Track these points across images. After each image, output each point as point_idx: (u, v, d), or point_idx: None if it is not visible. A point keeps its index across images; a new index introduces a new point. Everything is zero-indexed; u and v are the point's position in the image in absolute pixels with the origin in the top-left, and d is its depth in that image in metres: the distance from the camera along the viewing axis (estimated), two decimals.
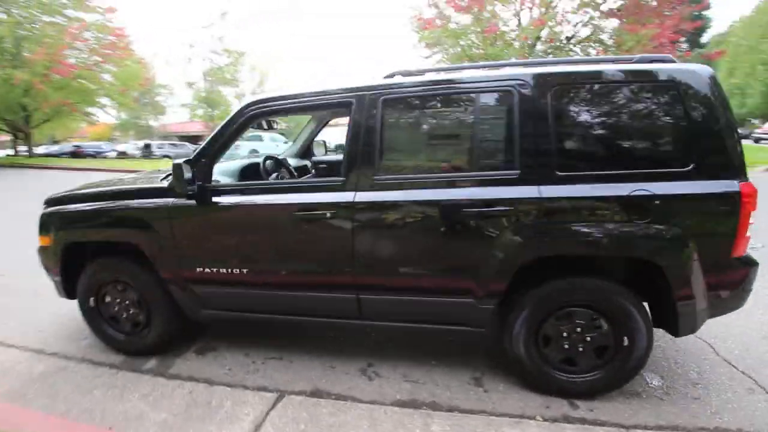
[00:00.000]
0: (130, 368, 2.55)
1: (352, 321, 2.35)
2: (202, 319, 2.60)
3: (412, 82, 2.16)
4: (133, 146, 27.89)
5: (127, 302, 2.64)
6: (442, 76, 2.21)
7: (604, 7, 12.80)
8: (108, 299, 2.67)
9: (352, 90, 2.19)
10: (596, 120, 1.97)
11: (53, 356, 2.70)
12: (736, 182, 1.86)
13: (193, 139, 31.80)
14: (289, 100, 2.31)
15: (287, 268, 2.32)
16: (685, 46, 16.40)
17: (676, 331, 2.03)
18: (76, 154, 26.66)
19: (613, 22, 13.15)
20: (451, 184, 2.09)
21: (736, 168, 1.88)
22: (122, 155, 26.38)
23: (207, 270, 2.40)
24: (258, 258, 2.35)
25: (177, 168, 2.18)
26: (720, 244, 1.90)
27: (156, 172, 3.21)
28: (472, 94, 2.08)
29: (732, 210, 1.85)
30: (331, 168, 3.73)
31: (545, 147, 1.95)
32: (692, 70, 1.94)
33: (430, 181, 2.12)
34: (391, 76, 2.28)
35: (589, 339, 2.06)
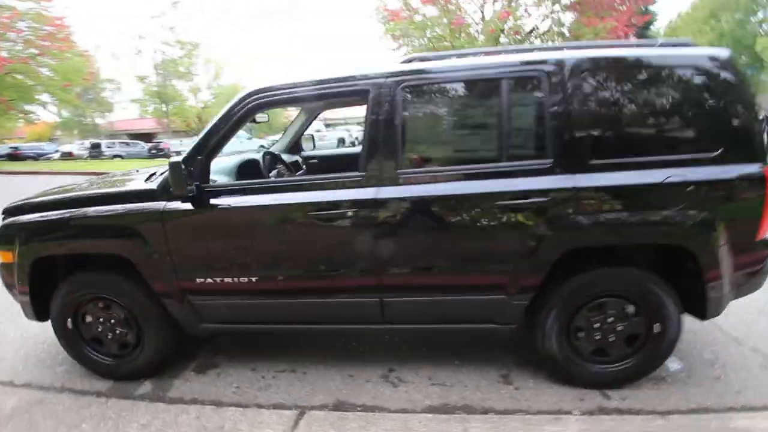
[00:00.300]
0: (122, 395, 2.26)
1: (373, 326, 2.21)
2: (201, 333, 2.36)
3: (433, 68, 2.02)
4: (79, 146, 25.77)
5: (111, 321, 2.33)
6: (465, 61, 2.08)
7: (564, 1, 13.22)
8: (89, 319, 2.35)
9: (368, 77, 2.02)
10: (627, 106, 1.93)
11: (26, 387, 2.35)
12: (760, 166, 1.87)
13: (145, 137, 30.06)
14: (297, 89, 2.10)
15: (302, 273, 2.13)
16: (633, 39, 17.32)
17: (703, 315, 2.04)
18: (14, 156, 24.33)
19: (572, 16, 13.63)
20: (480, 176, 1.97)
21: (758, 151, 1.90)
22: (68, 156, 24.29)
23: (209, 280, 2.15)
24: (269, 264, 2.14)
25: (175, 167, 1.92)
26: (746, 227, 1.92)
27: (133, 173, 2.87)
28: (498, 80, 1.96)
29: (759, 193, 1.87)
30: (325, 163, 3.53)
31: (577, 135, 1.88)
32: (713, 54, 1.92)
33: (457, 174, 2.00)
34: (409, 61, 2.13)
35: (620, 328, 2.03)
